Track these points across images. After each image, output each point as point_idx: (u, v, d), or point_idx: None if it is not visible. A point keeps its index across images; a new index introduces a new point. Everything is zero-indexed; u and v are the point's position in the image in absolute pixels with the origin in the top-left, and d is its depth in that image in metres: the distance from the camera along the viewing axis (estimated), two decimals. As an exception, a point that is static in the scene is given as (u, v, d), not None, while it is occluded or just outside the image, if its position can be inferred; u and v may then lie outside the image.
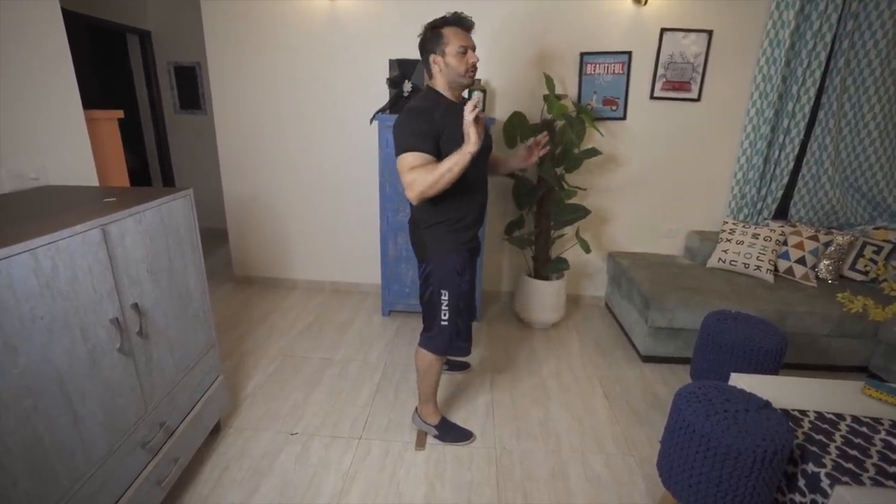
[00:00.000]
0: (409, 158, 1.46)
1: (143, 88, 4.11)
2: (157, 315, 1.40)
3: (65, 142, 1.63)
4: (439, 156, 1.49)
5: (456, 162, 1.41)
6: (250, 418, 1.98)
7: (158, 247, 1.40)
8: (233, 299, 3.12)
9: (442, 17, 1.52)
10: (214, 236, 4.05)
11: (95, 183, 1.76)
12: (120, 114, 2.00)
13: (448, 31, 1.50)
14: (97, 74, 4.06)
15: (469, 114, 1.36)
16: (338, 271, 3.29)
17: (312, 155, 3.05)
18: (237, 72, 2.91)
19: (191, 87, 4.14)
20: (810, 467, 1.28)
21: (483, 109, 2.68)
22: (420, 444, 1.87)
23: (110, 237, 1.19)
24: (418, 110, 1.51)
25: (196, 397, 1.64)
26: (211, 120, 3.14)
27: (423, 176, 1.43)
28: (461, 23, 1.52)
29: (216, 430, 1.87)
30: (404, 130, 1.49)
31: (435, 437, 1.89)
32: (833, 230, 2.75)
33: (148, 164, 4.34)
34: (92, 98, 3.83)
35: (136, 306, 1.29)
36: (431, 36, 1.52)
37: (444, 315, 1.68)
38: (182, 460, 1.53)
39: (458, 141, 1.45)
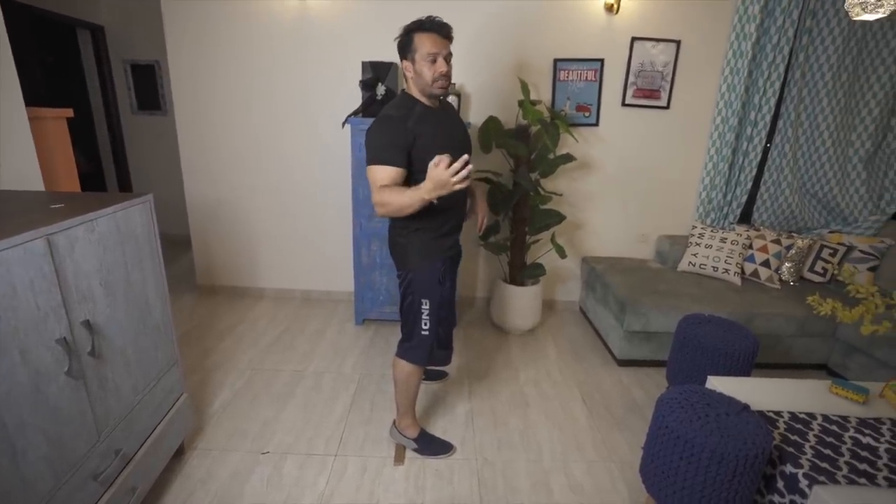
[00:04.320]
0: (380, 173, 1.44)
1: (95, 87, 3.87)
2: (111, 332, 1.28)
3: (4, 141, 1.48)
4: (410, 166, 1.47)
5: (412, 202, 1.37)
6: (217, 438, 1.86)
7: (114, 257, 1.28)
8: (196, 310, 2.95)
9: (417, 21, 1.46)
10: (175, 243, 3.84)
11: (41, 187, 1.61)
12: (69, 112, 1.85)
13: (420, 37, 1.44)
14: (44, 71, 3.80)
15: (453, 175, 1.28)
16: (308, 279, 3.18)
17: (281, 158, 2.93)
18: (200, 71, 2.77)
19: (149, 86, 3.93)
20: (788, 468, 1.30)
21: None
22: (399, 458, 1.81)
23: (57, 248, 1.07)
24: (391, 119, 1.47)
25: (157, 419, 1.52)
26: (172, 121, 2.97)
27: (391, 200, 1.41)
28: (436, 29, 1.44)
29: (180, 453, 1.74)
30: (377, 141, 1.46)
31: (414, 450, 1.83)
32: (793, 234, 2.87)
33: (102, 168, 4.08)
34: (37, 96, 3.57)
35: (87, 323, 1.17)
36: (404, 41, 1.47)
37: (425, 325, 1.63)
38: (141, 489, 1.41)
39: (432, 150, 1.39)
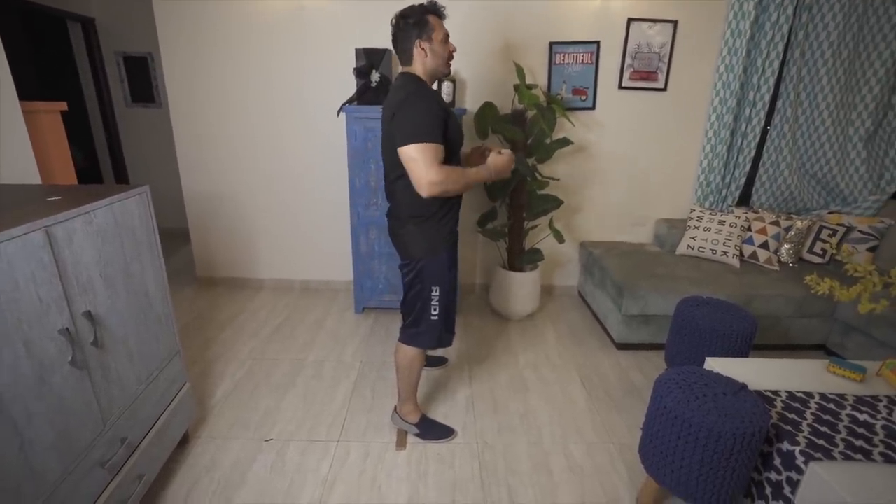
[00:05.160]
0: (431, 151, 1.40)
1: (88, 81, 3.83)
2: (113, 323, 1.29)
3: (0, 135, 1.48)
4: (445, 144, 1.48)
5: (480, 176, 1.54)
6: (220, 427, 1.88)
7: (112, 249, 1.29)
8: (197, 302, 2.96)
9: (421, 5, 1.51)
10: (174, 236, 3.83)
11: (37, 181, 1.61)
12: (63, 106, 1.84)
13: (434, 18, 1.51)
14: (36, 65, 3.77)
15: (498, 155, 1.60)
16: (307, 269, 3.19)
17: (277, 148, 2.92)
18: (194, 62, 2.75)
19: (143, 78, 3.89)
20: (785, 446, 1.31)
21: (453, 102, 2.63)
22: (401, 443, 1.83)
23: (56, 240, 1.08)
24: (423, 94, 1.46)
25: (160, 408, 1.54)
26: (166, 113, 2.96)
27: (457, 178, 1.46)
28: (440, 12, 1.54)
29: (184, 442, 1.76)
30: (416, 118, 1.42)
31: (416, 435, 1.85)
32: (792, 215, 2.87)
33: (98, 161, 4.06)
34: (30, 90, 3.54)
35: (88, 314, 1.18)
36: (418, 21, 1.48)
37: (434, 310, 1.65)
38: (147, 477, 1.43)
39: (452, 129, 1.51)
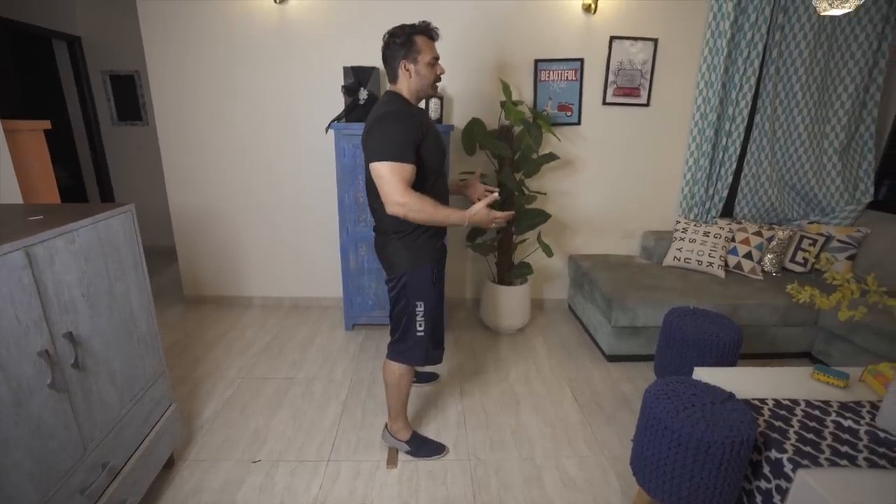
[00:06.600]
0: (398, 171, 1.41)
1: (74, 99, 3.82)
2: (95, 344, 1.26)
3: (-20, 156, 1.46)
4: (419, 164, 1.48)
5: (444, 220, 1.49)
6: (207, 448, 1.84)
7: (95, 268, 1.27)
8: (184, 321, 2.92)
9: (412, 25, 1.51)
10: (161, 255, 3.80)
11: (19, 200, 1.59)
12: (46, 124, 1.83)
13: (423, 39, 1.51)
14: (21, 84, 3.74)
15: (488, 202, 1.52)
16: (296, 286, 3.16)
17: (265, 165, 2.92)
18: (181, 80, 2.75)
19: (130, 97, 3.89)
20: (773, 454, 1.32)
21: (440, 119, 2.66)
22: (392, 461, 1.80)
23: (36, 260, 1.06)
24: (399, 114, 1.46)
25: (145, 431, 1.50)
26: (153, 132, 2.95)
27: (423, 208, 1.44)
28: (434, 34, 1.54)
29: (169, 465, 1.72)
30: (388, 136, 1.43)
31: (407, 452, 1.83)
32: (774, 226, 2.93)
33: (83, 181, 4.02)
34: (15, 109, 3.52)
35: (69, 335, 1.16)
36: (405, 41, 1.49)
37: (420, 326, 1.64)
38: (131, 502, 1.39)
39: (432, 148, 1.51)
